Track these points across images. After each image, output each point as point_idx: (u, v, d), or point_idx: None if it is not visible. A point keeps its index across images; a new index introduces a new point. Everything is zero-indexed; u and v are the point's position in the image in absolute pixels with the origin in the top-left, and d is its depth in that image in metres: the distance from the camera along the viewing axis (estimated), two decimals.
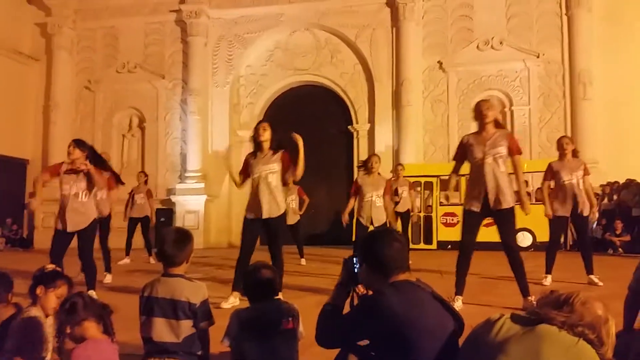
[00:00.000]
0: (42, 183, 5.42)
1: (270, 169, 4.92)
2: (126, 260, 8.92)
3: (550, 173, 6.26)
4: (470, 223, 4.68)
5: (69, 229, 5.20)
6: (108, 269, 6.94)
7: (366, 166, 6.46)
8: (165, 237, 2.59)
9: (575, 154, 6.28)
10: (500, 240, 4.64)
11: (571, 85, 13.08)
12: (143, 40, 15.46)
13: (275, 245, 5.00)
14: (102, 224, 6.88)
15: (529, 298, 4.51)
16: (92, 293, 5.11)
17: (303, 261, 8.64)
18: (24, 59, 15.76)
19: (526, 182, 11.93)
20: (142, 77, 15.27)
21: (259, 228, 5.08)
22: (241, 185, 5.15)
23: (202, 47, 14.94)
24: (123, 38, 15.57)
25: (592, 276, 6.00)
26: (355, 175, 13.87)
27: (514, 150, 4.60)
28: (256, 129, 5.01)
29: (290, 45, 14.96)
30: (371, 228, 6.53)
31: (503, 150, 4.54)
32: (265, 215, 4.92)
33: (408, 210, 9.32)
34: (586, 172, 6.19)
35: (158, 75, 15.24)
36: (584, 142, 12.68)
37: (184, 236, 2.62)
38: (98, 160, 5.37)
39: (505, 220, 4.57)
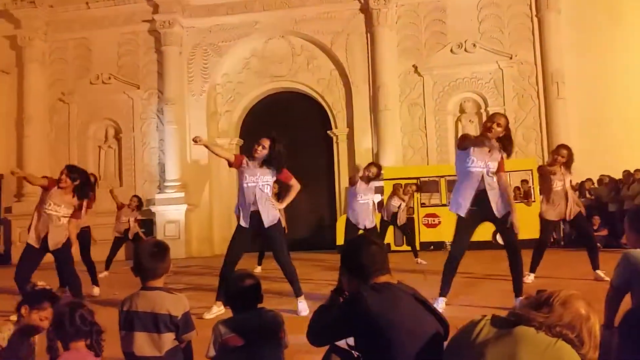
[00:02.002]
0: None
1: (267, 181, 5.13)
2: (105, 273, 8.94)
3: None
4: (464, 228, 4.76)
5: (51, 247, 5.30)
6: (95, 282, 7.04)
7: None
8: (142, 251, 2.55)
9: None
10: (505, 243, 4.80)
11: (544, 85, 13.32)
12: (116, 51, 15.27)
13: (279, 253, 5.15)
14: (82, 237, 6.97)
15: (521, 299, 4.58)
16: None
17: (259, 269, 8.73)
18: None
19: None
20: (117, 87, 15.08)
21: (250, 237, 5.23)
22: (222, 156, 5.39)
23: (177, 57, 14.83)
24: (96, 49, 15.36)
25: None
26: (337, 179, 13.95)
27: (500, 169, 4.77)
28: (257, 144, 5.16)
29: (266, 53, 14.94)
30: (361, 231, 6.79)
31: (496, 165, 4.73)
32: (267, 224, 5.08)
33: (404, 224, 9.66)
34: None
35: (133, 85, 15.07)
36: (559, 140, 12.89)
37: (161, 249, 2.58)
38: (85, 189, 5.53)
39: (506, 224, 4.70)
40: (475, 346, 1.58)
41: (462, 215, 4.71)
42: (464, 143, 4.78)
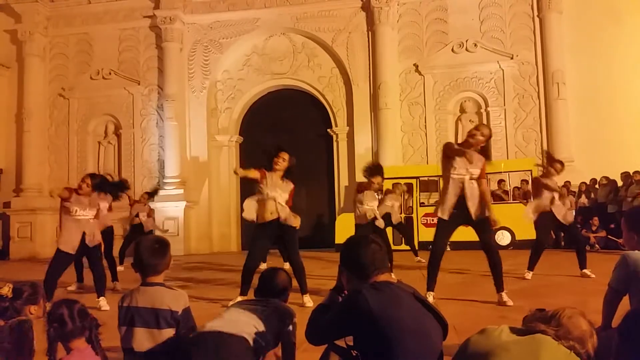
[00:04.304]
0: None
1: (284, 198, 5.46)
2: (120, 268, 9.07)
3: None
4: (444, 230, 5.17)
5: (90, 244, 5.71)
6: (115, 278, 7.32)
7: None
8: (143, 247, 2.55)
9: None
10: (482, 243, 5.11)
11: (545, 86, 13.31)
12: (117, 47, 15.26)
13: (291, 250, 5.65)
14: (106, 236, 7.48)
15: (502, 293, 4.97)
16: (102, 300, 5.56)
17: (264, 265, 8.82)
18: None
19: (503, 180, 12.18)
20: (117, 83, 15.07)
21: (271, 234, 5.53)
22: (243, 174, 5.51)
23: (178, 53, 14.81)
24: (97, 44, 15.35)
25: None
26: (337, 178, 14.03)
27: (482, 175, 5.17)
28: (277, 157, 5.42)
29: (267, 50, 14.93)
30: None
31: (478, 172, 5.10)
32: (278, 220, 5.43)
33: (399, 222, 9.65)
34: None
35: (133, 81, 15.05)
36: (559, 141, 12.95)
37: (162, 244, 2.58)
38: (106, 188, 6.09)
39: (486, 227, 5.09)
40: (495, 346, 1.69)
41: (445, 218, 5.10)
42: (447, 152, 5.15)
